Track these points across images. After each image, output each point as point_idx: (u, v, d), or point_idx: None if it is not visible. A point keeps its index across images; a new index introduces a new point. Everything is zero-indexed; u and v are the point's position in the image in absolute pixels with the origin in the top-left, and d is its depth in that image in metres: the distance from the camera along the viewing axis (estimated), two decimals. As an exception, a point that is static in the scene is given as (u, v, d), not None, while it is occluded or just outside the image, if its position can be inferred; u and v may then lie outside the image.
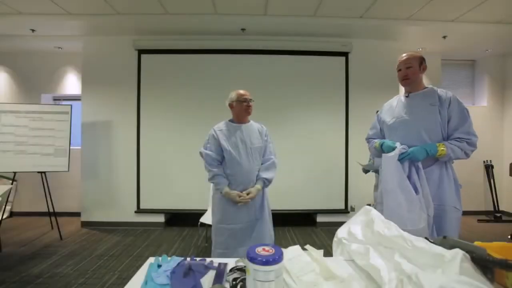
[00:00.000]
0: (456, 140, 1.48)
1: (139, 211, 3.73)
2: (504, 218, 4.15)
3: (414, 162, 1.48)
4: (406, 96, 1.65)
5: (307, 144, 3.77)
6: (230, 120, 1.98)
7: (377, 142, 1.69)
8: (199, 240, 3.25)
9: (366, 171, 2.93)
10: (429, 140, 1.50)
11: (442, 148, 1.45)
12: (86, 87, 3.76)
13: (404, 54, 1.63)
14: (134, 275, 0.83)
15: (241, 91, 1.93)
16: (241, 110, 1.91)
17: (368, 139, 1.84)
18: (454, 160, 1.55)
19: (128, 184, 3.73)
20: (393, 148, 1.53)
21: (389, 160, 1.49)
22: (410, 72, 1.58)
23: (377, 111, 1.90)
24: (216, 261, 0.90)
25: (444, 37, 3.65)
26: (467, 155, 1.49)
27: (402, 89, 4.11)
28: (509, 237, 3.34)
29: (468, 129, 1.49)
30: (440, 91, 1.57)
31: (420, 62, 1.59)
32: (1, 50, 4.17)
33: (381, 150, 1.62)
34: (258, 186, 1.86)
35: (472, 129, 1.50)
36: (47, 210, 3.52)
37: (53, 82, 4.29)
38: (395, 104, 1.70)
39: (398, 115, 1.63)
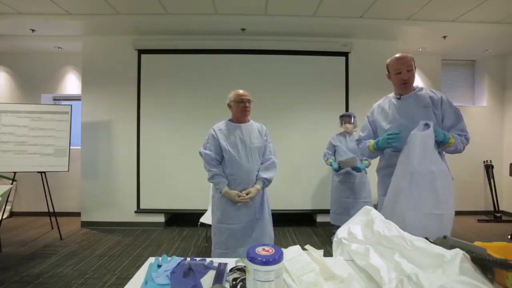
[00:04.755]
0: (456, 134, 1.50)
1: (139, 211, 3.73)
2: (504, 218, 4.15)
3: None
4: (398, 98, 1.60)
5: (307, 144, 3.77)
6: (230, 120, 1.97)
7: (371, 142, 1.66)
8: (199, 240, 3.25)
9: (340, 168, 2.93)
10: None
11: (452, 137, 1.45)
12: (86, 87, 3.76)
13: (400, 54, 1.55)
14: (134, 275, 0.83)
15: (240, 91, 1.90)
16: (238, 111, 1.89)
17: (360, 140, 1.79)
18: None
19: (128, 184, 3.73)
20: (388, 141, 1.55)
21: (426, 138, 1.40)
22: (411, 75, 1.53)
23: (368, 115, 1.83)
24: (216, 261, 0.90)
25: (444, 37, 3.65)
26: (463, 149, 1.51)
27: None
28: (509, 237, 3.34)
29: (463, 127, 1.52)
30: (430, 91, 1.57)
31: (414, 63, 1.56)
32: (1, 50, 4.17)
33: (377, 148, 1.60)
34: (258, 186, 1.85)
35: (466, 127, 1.53)
36: (47, 210, 3.52)
37: (53, 82, 4.29)
38: (387, 106, 1.64)
39: (393, 118, 1.58)
